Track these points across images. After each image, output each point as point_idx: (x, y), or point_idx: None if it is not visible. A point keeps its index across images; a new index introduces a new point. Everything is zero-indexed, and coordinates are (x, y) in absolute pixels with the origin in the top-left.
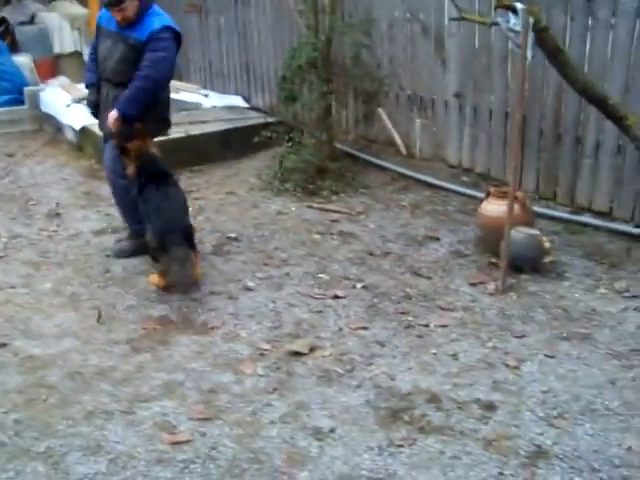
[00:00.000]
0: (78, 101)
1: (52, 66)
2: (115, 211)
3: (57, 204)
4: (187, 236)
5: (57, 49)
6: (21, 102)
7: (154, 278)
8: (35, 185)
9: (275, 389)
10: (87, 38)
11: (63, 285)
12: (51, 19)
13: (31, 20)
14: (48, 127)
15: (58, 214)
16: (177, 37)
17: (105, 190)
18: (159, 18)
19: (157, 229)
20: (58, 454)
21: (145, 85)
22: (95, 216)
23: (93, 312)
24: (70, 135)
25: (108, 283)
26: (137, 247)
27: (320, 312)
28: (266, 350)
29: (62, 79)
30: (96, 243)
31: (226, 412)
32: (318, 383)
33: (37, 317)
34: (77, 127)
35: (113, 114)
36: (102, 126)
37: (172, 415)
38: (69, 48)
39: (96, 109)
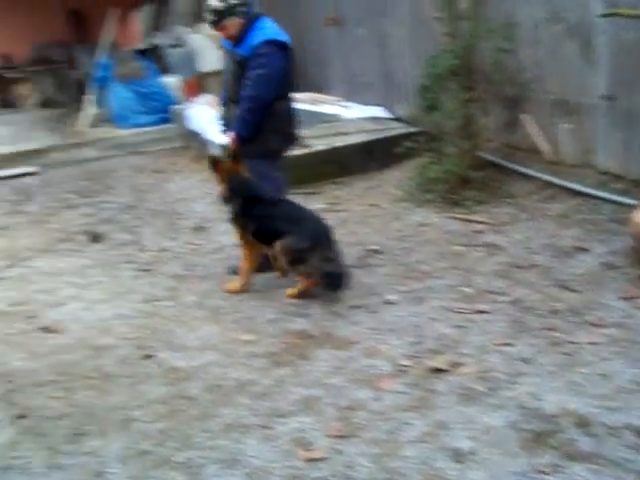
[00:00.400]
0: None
1: (198, 85)
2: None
3: (202, 218)
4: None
5: (203, 68)
6: (170, 121)
7: (292, 291)
8: (181, 200)
9: (414, 407)
10: None
11: (206, 298)
12: (197, 40)
13: (179, 43)
14: (194, 144)
15: (203, 228)
16: (283, 47)
17: None
18: (262, 32)
19: (314, 236)
20: (196, 465)
21: (249, 105)
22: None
23: (234, 325)
24: (215, 151)
25: (250, 296)
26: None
27: (463, 327)
28: (406, 366)
29: (207, 97)
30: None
31: (363, 430)
32: (459, 402)
33: (181, 330)
34: (220, 143)
35: (231, 135)
36: None
37: (309, 431)
38: (214, 67)
39: (227, 126)
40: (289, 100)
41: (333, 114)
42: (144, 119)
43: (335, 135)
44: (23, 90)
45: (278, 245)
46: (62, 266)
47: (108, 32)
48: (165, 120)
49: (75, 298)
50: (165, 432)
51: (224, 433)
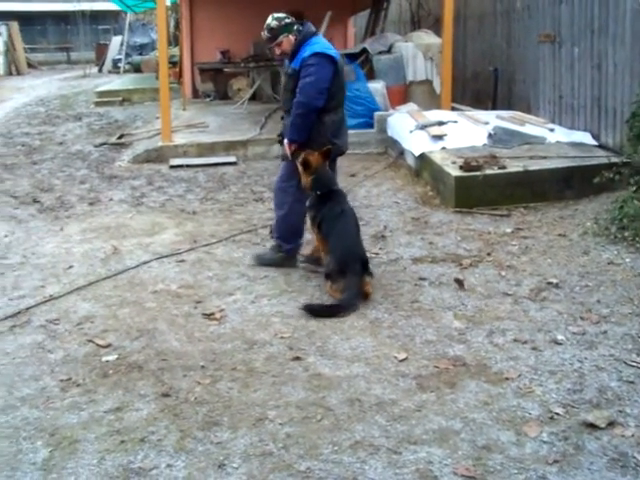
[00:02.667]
0: (422, 127)
1: (403, 93)
2: (439, 240)
3: (385, 227)
4: (364, 264)
5: (410, 77)
6: (371, 126)
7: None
8: (368, 206)
9: (556, 461)
10: (439, 68)
11: (369, 309)
12: (406, 48)
13: (388, 50)
14: (392, 151)
15: (384, 237)
16: (331, 60)
17: (435, 218)
18: (312, 47)
19: (338, 255)
20: (316, 477)
21: (298, 111)
22: (419, 243)
23: (390, 340)
24: (410, 160)
25: (414, 313)
26: (276, 260)
27: (632, 383)
28: (558, 414)
29: (411, 105)
30: (412, 271)
31: (495, 475)
32: (609, 467)
33: (336, 337)
34: (417, 153)
35: (285, 142)
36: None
37: (437, 465)
38: (420, 76)
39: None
40: (337, 113)
41: (536, 135)
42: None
43: (532, 158)
44: (239, 84)
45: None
46: (238, 256)
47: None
48: (366, 125)
49: (242, 290)
50: (293, 437)
51: (351, 450)
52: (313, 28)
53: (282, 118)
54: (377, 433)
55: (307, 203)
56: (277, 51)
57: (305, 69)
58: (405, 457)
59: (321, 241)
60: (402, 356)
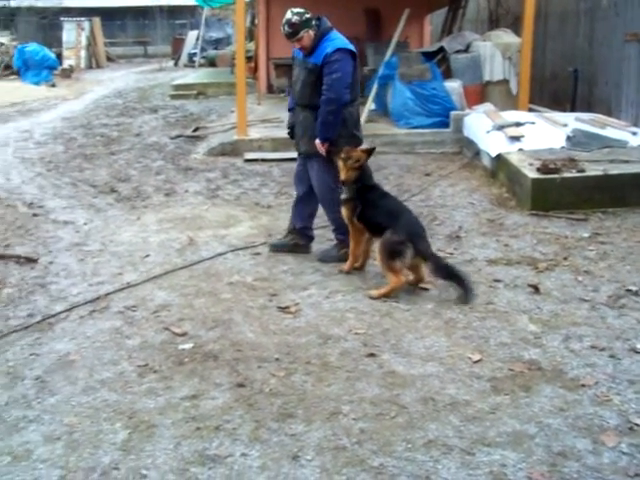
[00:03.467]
0: (499, 128)
1: (480, 92)
2: (514, 243)
3: (459, 227)
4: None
5: (487, 77)
6: (446, 125)
7: (376, 292)
8: (443, 206)
9: (637, 474)
10: (516, 67)
11: (443, 309)
12: (484, 48)
13: (466, 49)
14: (467, 151)
15: (458, 237)
16: (352, 55)
17: (510, 220)
18: (333, 42)
19: (404, 227)
20: (389, 474)
21: (329, 108)
22: (494, 245)
23: (465, 341)
24: (486, 161)
25: (488, 315)
26: (342, 257)
27: None
28: (638, 425)
29: (487, 105)
30: (487, 272)
31: None
32: None
33: (411, 335)
34: (493, 154)
35: (317, 143)
36: (297, 144)
37: (511, 468)
38: (498, 76)
39: (292, 130)
40: (354, 106)
41: (617, 139)
42: (422, 120)
43: (612, 161)
44: None
45: (381, 241)
46: (312, 252)
47: (399, 32)
48: (442, 124)
49: (317, 285)
50: (367, 433)
51: (424, 448)
52: (329, 23)
53: (290, 110)
54: (451, 433)
55: (343, 196)
56: (297, 45)
57: (330, 65)
58: (479, 458)
59: (358, 232)
60: (476, 357)
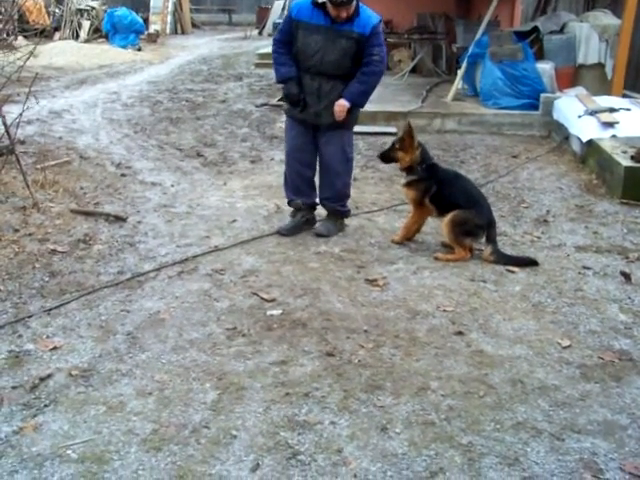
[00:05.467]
0: (591, 113)
1: (572, 75)
2: (604, 231)
3: (547, 212)
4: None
5: (580, 59)
6: (535, 107)
7: (442, 256)
8: (530, 189)
9: None
10: (614, 51)
11: (531, 292)
12: (580, 29)
13: (561, 29)
14: (556, 135)
15: (546, 221)
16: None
17: (600, 208)
18: (368, 13)
19: (482, 210)
20: (477, 452)
21: (378, 79)
22: (582, 231)
23: (554, 326)
24: (576, 146)
25: (577, 301)
26: (343, 227)
27: None
28: None
29: (579, 89)
30: (576, 258)
31: None
32: None
33: (499, 316)
34: (584, 139)
35: (344, 104)
36: (316, 116)
37: (602, 457)
38: (592, 59)
39: (297, 103)
40: None
41: None
42: (510, 101)
43: None
44: (400, 56)
45: (453, 215)
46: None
47: (491, 10)
48: (531, 106)
49: (404, 260)
50: (456, 410)
51: (513, 430)
52: None
53: (290, 79)
54: (540, 417)
55: (410, 178)
56: (344, 14)
57: (378, 36)
58: (568, 445)
59: (424, 212)
60: (566, 343)
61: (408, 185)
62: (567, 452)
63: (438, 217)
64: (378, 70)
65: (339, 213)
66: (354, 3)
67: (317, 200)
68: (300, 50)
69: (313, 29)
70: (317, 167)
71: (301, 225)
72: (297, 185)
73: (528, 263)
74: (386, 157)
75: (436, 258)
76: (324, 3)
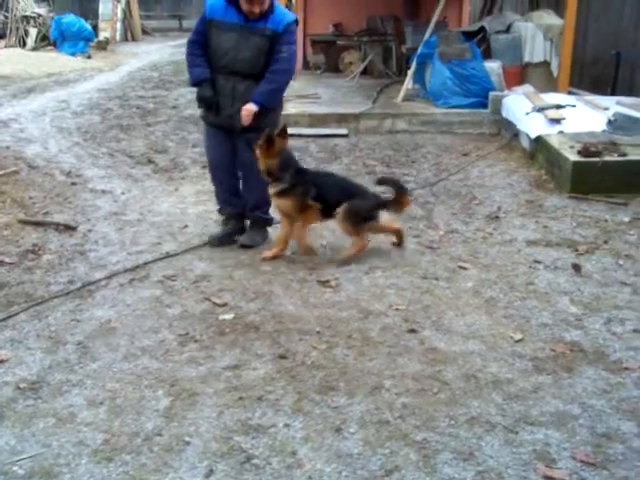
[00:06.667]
0: (538, 110)
1: (520, 74)
2: (554, 225)
3: (498, 208)
4: None
5: (527, 58)
6: (485, 106)
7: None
8: (481, 186)
9: None
10: (559, 49)
11: (484, 288)
12: (526, 28)
13: (507, 29)
14: (506, 132)
15: (497, 217)
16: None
17: (549, 202)
18: (282, 11)
19: (370, 199)
20: (432, 449)
21: (287, 78)
22: (533, 226)
23: (506, 320)
24: (525, 142)
25: (529, 295)
26: (267, 235)
27: None
28: None
29: (527, 87)
30: (527, 253)
31: (616, 464)
32: None
33: (451, 313)
34: (533, 135)
35: (250, 108)
36: (228, 118)
37: (555, 448)
38: (538, 57)
39: (211, 106)
40: None
41: None
42: (459, 100)
43: None
44: (350, 58)
45: (346, 207)
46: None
47: (438, 10)
48: (480, 104)
49: (356, 260)
50: (410, 408)
51: (467, 425)
52: None
53: (202, 81)
54: (493, 411)
55: (281, 186)
56: (257, 9)
57: (291, 35)
58: (522, 437)
59: (311, 216)
60: (518, 337)
61: (280, 195)
62: (521, 444)
63: (321, 220)
64: (285, 68)
65: (261, 221)
66: None
67: (241, 209)
68: (213, 50)
69: (226, 27)
70: None
71: (232, 234)
72: (224, 194)
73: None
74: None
75: (339, 261)
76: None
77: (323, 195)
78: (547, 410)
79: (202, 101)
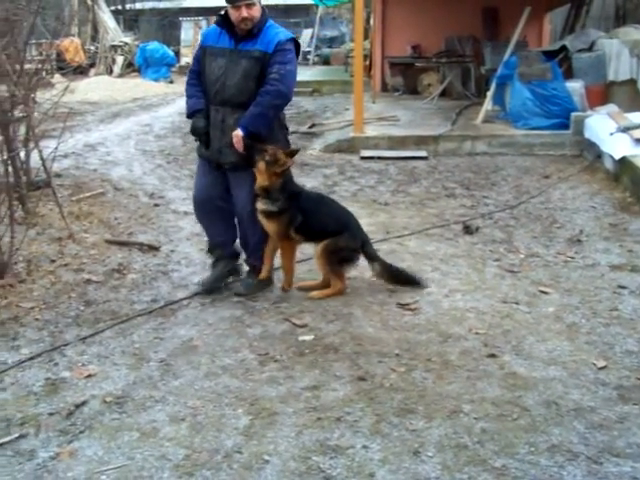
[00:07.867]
0: (623, 130)
1: (603, 93)
2: (639, 249)
3: (581, 231)
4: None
5: (611, 76)
6: (566, 127)
7: (318, 293)
8: (563, 209)
9: None
10: None
11: (565, 313)
12: (610, 45)
13: (589, 47)
14: (588, 154)
15: (579, 241)
16: (297, 48)
17: (635, 226)
18: (278, 30)
19: (356, 234)
20: (511, 476)
21: (276, 102)
22: (617, 250)
23: (589, 347)
24: (609, 164)
25: (613, 321)
26: (259, 285)
27: None
28: None
29: (611, 107)
30: (611, 278)
31: None
32: None
33: (532, 338)
34: (617, 156)
35: (237, 133)
36: (218, 152)
37: None
38: (624, 75)
39: (206, 136)
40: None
41: None
42: (540, 121)
43: None
44: (429, 79)
45: (325, 244)
46: (431, 250)
47: (519, 31)
48: (562, 125)
49: (436, 283)
50: (489, 433)
51: (548, 453)
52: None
53: (196, 112)
54: (575, 439)
55: (272, 208)
56: (245, 13)
57: (283, 54)
58: (606, 468)
59: (293, 247)
60: (601, 364)
61: (268, 216)
62: (605, 476)
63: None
64: (274, 89)
65: (252, 267)
66: (257, 2)
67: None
68: (207, 77)
69: (217, 53)
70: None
71: (223, 277)
72: (212, 234)
73: (414, 283)
74: (256, 148)
75: (310, 298)
76: (227, 17)
77: (309, 224)
78: (634, 442)
79: (194, 133)
